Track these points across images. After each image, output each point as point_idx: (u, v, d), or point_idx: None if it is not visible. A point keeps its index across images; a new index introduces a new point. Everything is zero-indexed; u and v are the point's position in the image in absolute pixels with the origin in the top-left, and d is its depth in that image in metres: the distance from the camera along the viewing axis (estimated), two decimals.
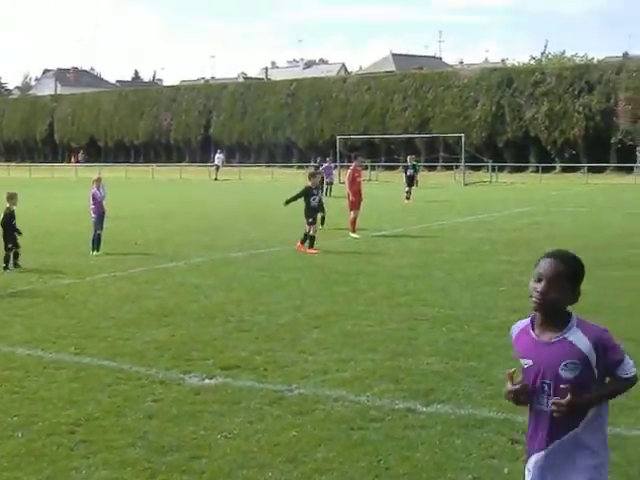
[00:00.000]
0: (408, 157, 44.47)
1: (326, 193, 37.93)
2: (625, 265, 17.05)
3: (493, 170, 59.58)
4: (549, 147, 65.55)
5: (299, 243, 19.83)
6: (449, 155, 65.75)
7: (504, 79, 68.08)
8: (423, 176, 52.46)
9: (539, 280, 4.04)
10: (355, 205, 23.76)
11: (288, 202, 20.32)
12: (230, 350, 10.26)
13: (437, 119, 69.97)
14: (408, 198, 37.61)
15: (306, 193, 20.31)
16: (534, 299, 4.08)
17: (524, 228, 25.11)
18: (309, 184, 20.52)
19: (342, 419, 7.71)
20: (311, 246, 19.77)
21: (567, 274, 3.96)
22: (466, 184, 53.98)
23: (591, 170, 58.62)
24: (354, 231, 23.24)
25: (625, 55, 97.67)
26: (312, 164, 43.60)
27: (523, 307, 12.60)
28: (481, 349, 10.23)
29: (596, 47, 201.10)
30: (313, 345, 10.53)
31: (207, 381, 8.92)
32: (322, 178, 38.94)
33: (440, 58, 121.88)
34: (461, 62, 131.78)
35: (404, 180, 39.62)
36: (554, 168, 63.79)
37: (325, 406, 8.08)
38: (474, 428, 7.44)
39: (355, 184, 24.04)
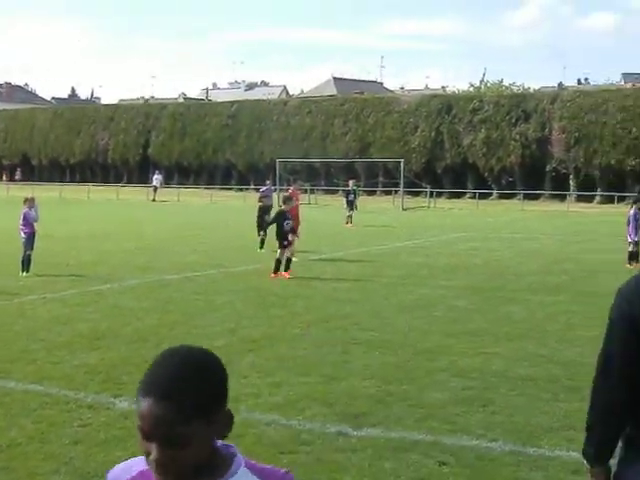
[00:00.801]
0: (350, 181, 44.73)
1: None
2: (557, 290, 17.36)
3: (431, 195, 60.12)
4: (486, 174, 66.36)
5: (272, 274, 19.46)
6: (388, 180, 66.18)
7: (444, 106, 68.85)
8: (362, 200, 52.69)
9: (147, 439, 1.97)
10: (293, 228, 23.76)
11: (266, 227, 20.11)
12: None
13: (377, 144, 70.44)
14: (349, 222, 37.96)
15: (280, 217, 20.14)
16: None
17: (461, 253, 25.38)
18: (283, 207, 20.38)
19: (273, 443, 7.70)
20: (287, 269, 19.68)
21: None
22: (405, 209, 54.40)
23: (527, 197, 59.53)
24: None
25: (560, 85, 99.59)
26: (264, 187, 43.66)
27: (456, 332, 12.84)
28: (413, 373, 10.32)
29: (533, 77, 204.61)
30: (247, 369, 10.51)
31: None
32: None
33: (381, 83, 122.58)
34: (402, 88, 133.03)
35: (345, 204, 39.89)
36: (491, 194, 64.60)
37: (256, 430, 8.07)
38: (404, 451, 7.50)
39: (293, 208, 24.07)
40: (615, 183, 59.79)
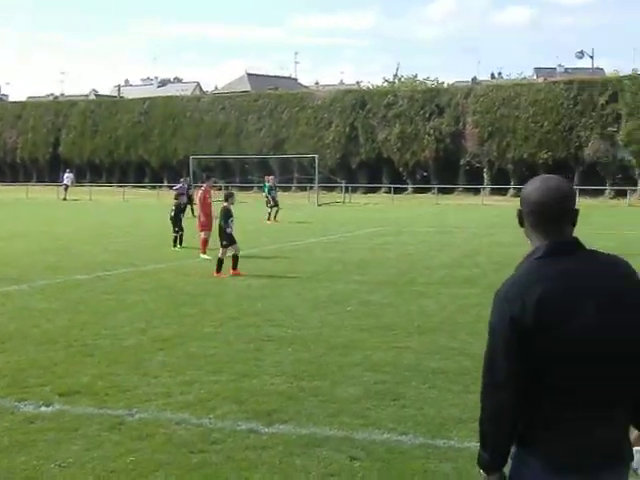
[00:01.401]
0: (270, 177, 44.73)
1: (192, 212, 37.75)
2: (468, 283, 17.60)
3: (347, 191, 60.47)
4: (401, 168, 66.98)
5: (215, 273, 19.30)
6: (303, 176, 66.35)
7: (358, 101, 69.23)
8: (278, 197, 52.69)
9: None
10: (206, 226, 23.67)
11: (223, 228, 19.64)
12: (71, 375, 10.04)
13: (292, 140, 70.51)
14: (270, 219, 38.13)
15: (227, 215, 19.81)
16: None
17: (375, 248, 25.56)
18: (225, 205, 19.97)
19: (183, 443, 7.66)
20: (235, 267, 19.50)
21: None
22: (320, 205, 54.57)
23: (441, 191, 60.36)
24: (204, 252, 23.17)
25: (474, 80, 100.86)
26: (178, 185, 43.30)
27: (370, 326, 12.92)
28: (326, 368, 10.35)
29: (448, 72, 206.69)
30: (157, 368, 10.42)
31: (43, 408, 8.69)
32: (190, 198, 39.15)
33: (295, 79, 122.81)
34: (317, 83, 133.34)
35: (269, 201, 39.88)
36: (406, 189, 65.25)
37: (166, 430, 8.01)
38: (315, 447, 7.52)
39: (206, 205, 23.97)
40: (528, 176, 60.69)
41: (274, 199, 39.67)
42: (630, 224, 35.26)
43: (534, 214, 3.63)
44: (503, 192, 60.45)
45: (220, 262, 19.43)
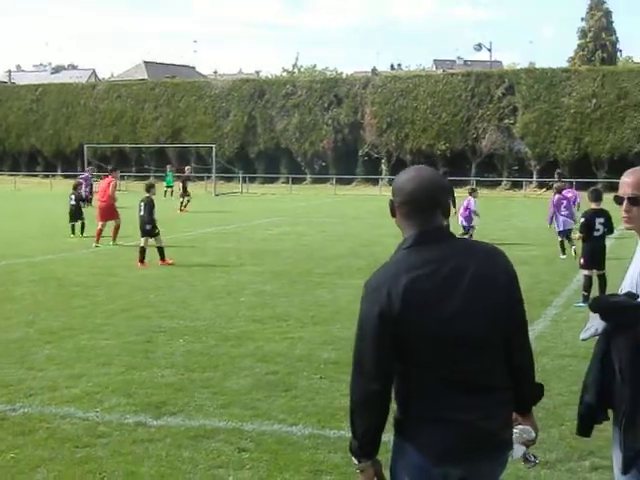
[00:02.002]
0: (186, 167, 45.07)
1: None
2: (363, 273, 17.57)
3: (245, 181, 60.29)
4: (300, 158, 67.10)
5: (139, 263, 19.19)
6: (201, 165, 65.87)
7: (256, 90, 69.03)
8: (175, 186, 52.26)
9: None
10: (106, 216, 23.52)
11: (153, 221, 19.50)
12: None
13: (189, 129, 69.91)
14: (182, 209, 38.44)
15: (150, 205, 19.70)
16: None
17: (271, 238, 25.55)
18: (148, 195, 19.88)
19: (67, 437, 7.53)
20: (162, 258, 19.44)
21: None
22: (217, 195, 54.31)
23: (340, 181, 60.65)
24: (97, 241, 22.91)
25: (373, 71, 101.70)
26: (84, 174, 42.78)
27: (263, 317, 12.90)
28: (217, 360, 10.31)
29: (349, 62, 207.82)
30: (43, 361, 10.23)
31: None
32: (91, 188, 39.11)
33: (194, 67, 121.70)
34: (215, 72, 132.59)
35: (180, 190, 40.34)
36: (304, 179, 65.40)
37: (50, 425, 7.87)
38: (203, 439, 7.47)
39: (109, 196, 23.70)
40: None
41: (184, 188, 39.80)
42: (524, 214, 36.02)
43: (407, 204, 3.67)
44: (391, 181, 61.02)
45: (143, 251, 19.36)
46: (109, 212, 23.51)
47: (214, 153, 58.66)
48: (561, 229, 20.67)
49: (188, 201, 39.05)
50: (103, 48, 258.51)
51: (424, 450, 3.58)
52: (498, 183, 60.13)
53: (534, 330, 11.55)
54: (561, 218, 20.71)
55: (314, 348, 10.91)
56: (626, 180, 4.59)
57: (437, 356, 3.54)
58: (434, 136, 62.19)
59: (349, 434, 7.48)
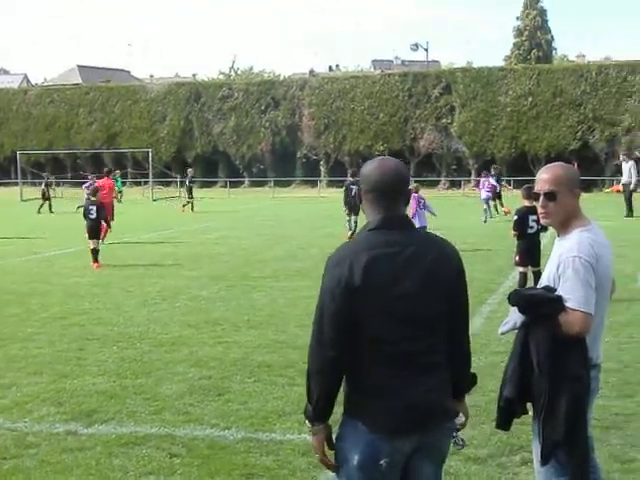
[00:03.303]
0: (189, 170, 47.11)
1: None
2: (300, 276, 17.75)
3: (182, 185, 59.98)
4: (237, 162, 67.04)
5: (94, 265, 19.95)
6: (138, 170, 65.45)
7: (192, 94, 68.81)
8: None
9: None
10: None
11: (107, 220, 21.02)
12: None
13: (125, 134, 69.43)
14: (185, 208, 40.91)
15: (99, 208, 20.95)
16: None
17: (208, 243, 25.49)
18: (94, 199, 20.92)
19: None
20: (95, 260, 20.00)
21: None
22: (155, 200, 54.01)
23: (278, 184, 60.70)
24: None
25: (311, 72, 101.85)
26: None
27: (198, 322, 12.88)
28: (151, 366, 10.26)
29: (286, 64, 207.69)
30: None
31: None
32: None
33: (129, 71, 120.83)
34: (151, 76, 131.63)
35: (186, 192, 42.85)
36: (242, 182, 65.36)
37: None
38: (134, 446, 7.44)
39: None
40: None
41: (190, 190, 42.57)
42: (460, 213, 36.32)
43: (372, 192, 3.92)
44: (339, 184, 61.20)
45: (96, 252, 20.11)
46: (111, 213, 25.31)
47: (150, 158, 58.31)
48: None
49: (188, 202, 41.67)
50: (35, 52, 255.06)
51: (375, 426, 3.78)
52: (437, 183, 60.66)
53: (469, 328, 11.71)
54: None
55: (248, 352, 10.92)
56: (542, 176, 4.71)
57: (387, 332, 3.79)
58: (372, 137, 62.57)
59: (281, 437, 7.59)
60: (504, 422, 4.61)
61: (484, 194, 33.70)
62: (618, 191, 37.70)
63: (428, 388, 3.82)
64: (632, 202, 33.15)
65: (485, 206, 32.74)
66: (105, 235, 23.77)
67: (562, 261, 4.53)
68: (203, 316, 13.52)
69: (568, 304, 4.39)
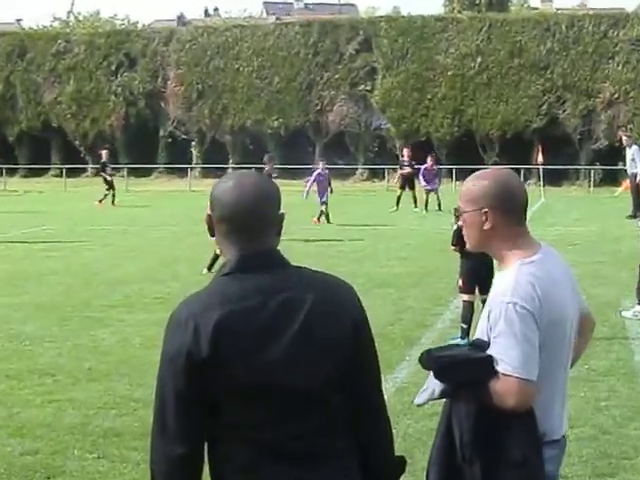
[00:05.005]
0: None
1: None
2: (162, 304, 16.99)
3: (1, 174, 59.27)
4: (78, 142, 66.47)
5: None
6: None
7: (15, 48, 68.02)
8: None
9: None
10: None
11: None
12: None
13: None
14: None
15: None
16: None
17: (35, 256, 25.21)
18: None
19: None
20: None
21: None
22: None
23: (134, 172, 60.21)
24: None
25: (180, 19, 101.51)
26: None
27: (20, 371, 12.68)
28: None
29: (146, 7, 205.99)
30: None
31: None
32: None
33: None
34: None
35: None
36: (84, 170, 64.74)
37: None
38: None
39: None
40: (253, 151, 61.52)
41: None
42: (388, 215, 36.55)
43: (227, 221, 3.83)
44: (219, 172, 61.07)
45: None
46: None
47: None
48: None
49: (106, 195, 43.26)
50: None
51: None
52: (352, 172, 60.98)
53: (395, 380, 11.72)
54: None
55: (90, 415, 10.77)
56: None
57: (254, 415, 3.70)
58: (263, 109, 62.62)
59: None
60: None
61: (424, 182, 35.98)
62: (628, 188, 37.87)
63: None
64: None
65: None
66: None
67: (493, 308, 4.54)
68: (27, 362, 13.34)
69: (499, 367, 4.40)
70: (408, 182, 38.95)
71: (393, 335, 14.11)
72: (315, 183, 34.41)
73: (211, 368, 3.64)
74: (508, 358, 4.38)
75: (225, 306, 3.69)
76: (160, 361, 3.77)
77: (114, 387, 12.02)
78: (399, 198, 38.17)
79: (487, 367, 4.40)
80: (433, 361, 4.56)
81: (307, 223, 31.60)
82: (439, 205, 37.40)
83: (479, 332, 4.63)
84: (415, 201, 38.22)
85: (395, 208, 37.74)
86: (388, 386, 10.93)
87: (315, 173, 34.75)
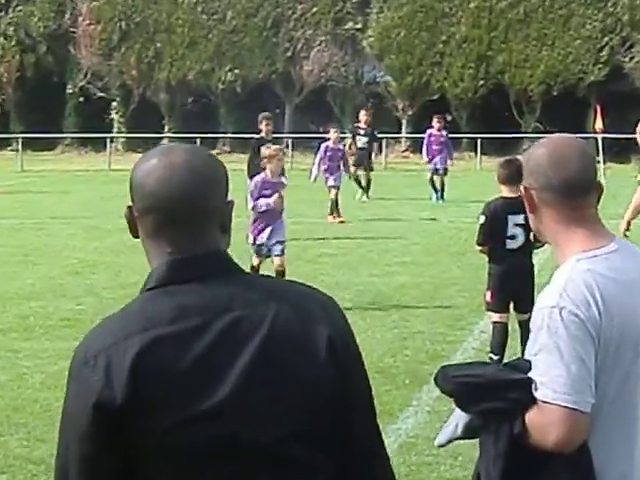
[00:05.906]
0: None
1: None
2: (73, 326, 17.21)
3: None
4: None
5: None
6: None
7: None
8: None
9: None
10: None
11: None
12: None
13: None
14: None
15: None
16: None
17: None
18: None
19: None
20: None
21: None
22: None
23: (30, 145, 60.16)
24: None
25: None
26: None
27: None
28: None
29: None
30: None
31: None
32: None
33: None
34: None
35: None
36: None
37: None
38: None
39: None
40: (201, 114, 61.77)
41: None
42: (382, 203, 36.67)
43: (152, 214, 3.69)
44: (150, 144, 60.98)
45: None
46: None
47: None
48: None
49: None
50: None
51: None
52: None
53: (399, 433, 11.76)
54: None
55: None
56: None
57: (187, 473, 3.59)
58: (212, 55, 62.66)
59: None
60: None
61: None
62: None
63: None
64: None
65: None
66: None
67: (535, 315, 4.51)
68: None
69: (537, 393, 4.36)
70: (364, 159, 37.50)
71: (395, 371, 14.11)
72: (324, 160, 33.08)
73: (129, 420, 3.53)
74: (550, 380, 4.33)
75: (148, 332, 3.56)
76: (62, 414, 3.66)
77: (5, 444, 12.02)
78: (358, 179, 37.34)
79: (523, 392, 4.37)
80: (451, 382, 4.54)
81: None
82: (442, 190, 37.48)
83: (526, 355, 4.61)
84: (365, 188, 37.66)
85: (363, 194, 37.60)
86: (389, 441, 10.89)
87: (323, 146, 33.53)
